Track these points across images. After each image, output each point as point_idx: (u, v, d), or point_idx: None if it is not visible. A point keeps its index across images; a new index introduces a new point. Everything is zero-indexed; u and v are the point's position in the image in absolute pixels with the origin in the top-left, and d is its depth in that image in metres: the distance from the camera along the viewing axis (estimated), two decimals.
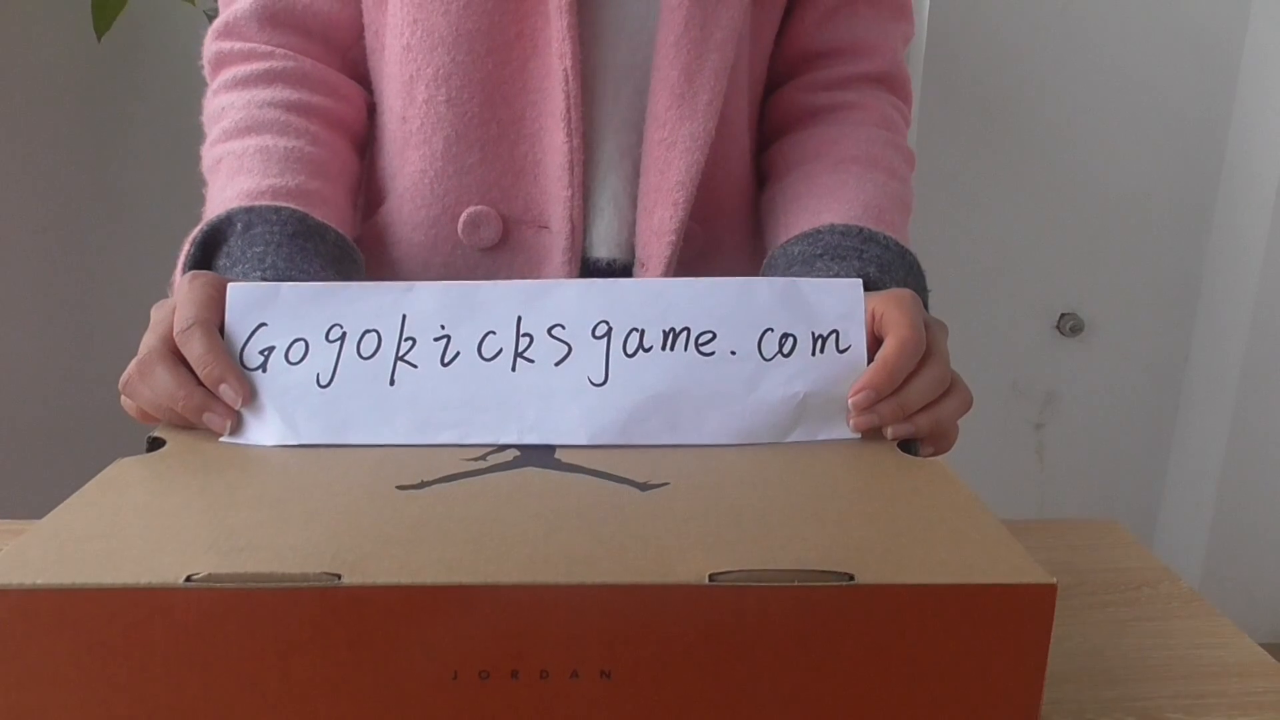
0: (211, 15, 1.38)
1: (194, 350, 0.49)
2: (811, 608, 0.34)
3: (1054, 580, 0.35)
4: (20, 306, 1.38)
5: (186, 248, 0.59)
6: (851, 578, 0.35)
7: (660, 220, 0.65)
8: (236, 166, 0.62)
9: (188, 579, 0.34)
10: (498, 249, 0.67)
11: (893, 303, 0.53)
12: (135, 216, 1.51)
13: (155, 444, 0.48)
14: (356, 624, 0.34)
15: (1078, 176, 1.61)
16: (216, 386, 0.49)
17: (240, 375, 0.49)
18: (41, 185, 1.40)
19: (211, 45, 0.68)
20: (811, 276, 0.60)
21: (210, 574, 0.34)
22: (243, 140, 0.63)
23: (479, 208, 0.66)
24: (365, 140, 0.71)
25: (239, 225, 0.58)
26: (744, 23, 0.66)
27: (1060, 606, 0.35)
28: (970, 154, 1.59)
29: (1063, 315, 1.67)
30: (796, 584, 0.34)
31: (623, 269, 0.69)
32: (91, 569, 0.34)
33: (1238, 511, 1.67)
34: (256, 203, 0.59)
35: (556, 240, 0.66)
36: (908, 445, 0.51)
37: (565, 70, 0.62)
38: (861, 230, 0.62)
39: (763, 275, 0.66)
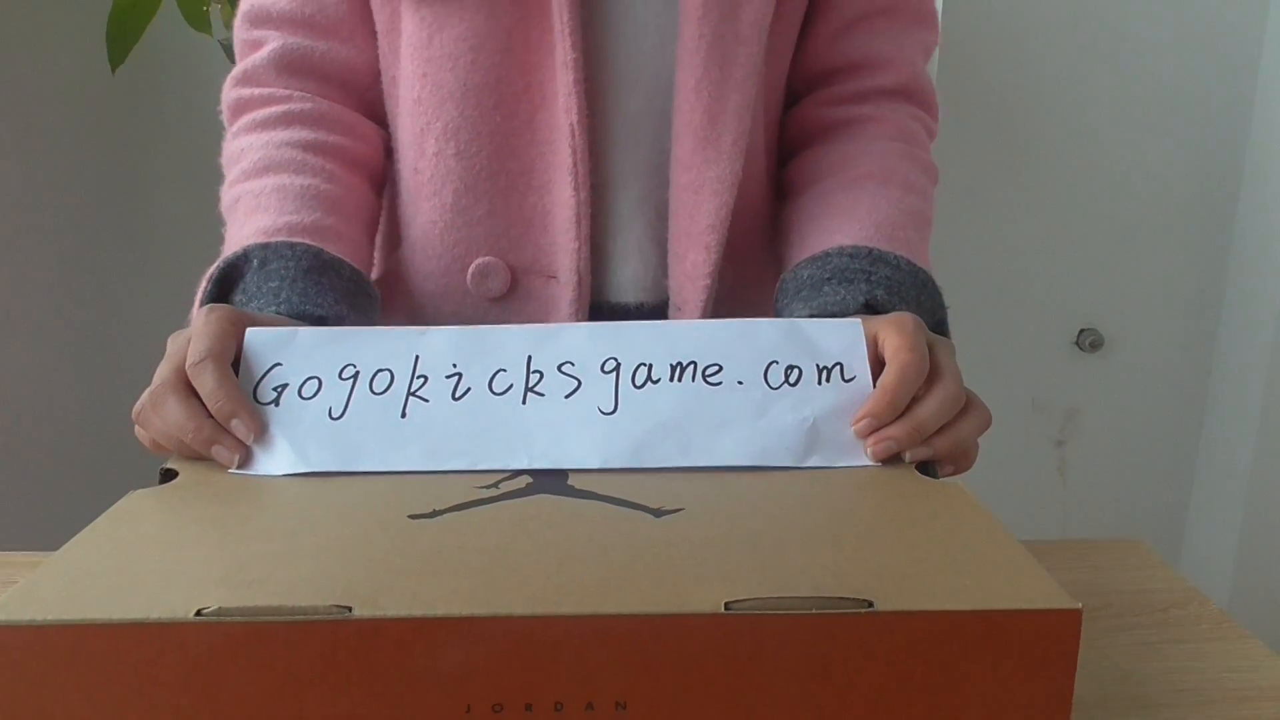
0: (226, 45, 1.40)
1: (206, 385, 0.49)
2: (830, 636, 0.34)
3: (1079, 605, 0.34)
4: (42, 337, 1.39)
5: (204, 284, 0.59)
6: (871, 604, 0.34)
7: (694, 264, 0.65)
8: (254, 205, 0.62)
9: (198, 613, 0.33)
10: (506, 298, 0.67)
11: (893, 327, 0.53)
12: (155, 247, 1.52)
13: (168, 475, 0.48)
14: (368, 657, 0.33)
15: (1095, 190, 1.60)
16: (228, 421, 0.49)
17: (252, 410, 0.49)
18: (64, 216, 1.41)
19: (231, 92, 0.69)
20: (819, 300, 0.60)
21: (221, 608, 0.33)
22: (260, 180, 0.64)
23: (487, 259, 0.66)
24: (383, 178, 0.72)
25: (255, 261, 0.59)
26: (761, 58, 0.65)
27: (1085, 629, 0.34)
28: (986, 166, 1.58)
29: (1082, 331, 1.66)
30: (814, 611, 0.34)
31: (651, 312, 0.68)
32: (102, 603, 0.34)
33: (1266, 529, 1.64)
34: (272, 239, 0.60)
35: (564, 290, 0.66)
36: (926, 467, 0.50)
37: (571, 125, 0.62)
38: (870, 251, 0.61)
39: (775, 299, 0.66)
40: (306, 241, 0.60)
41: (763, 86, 0.68)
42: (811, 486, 0.46)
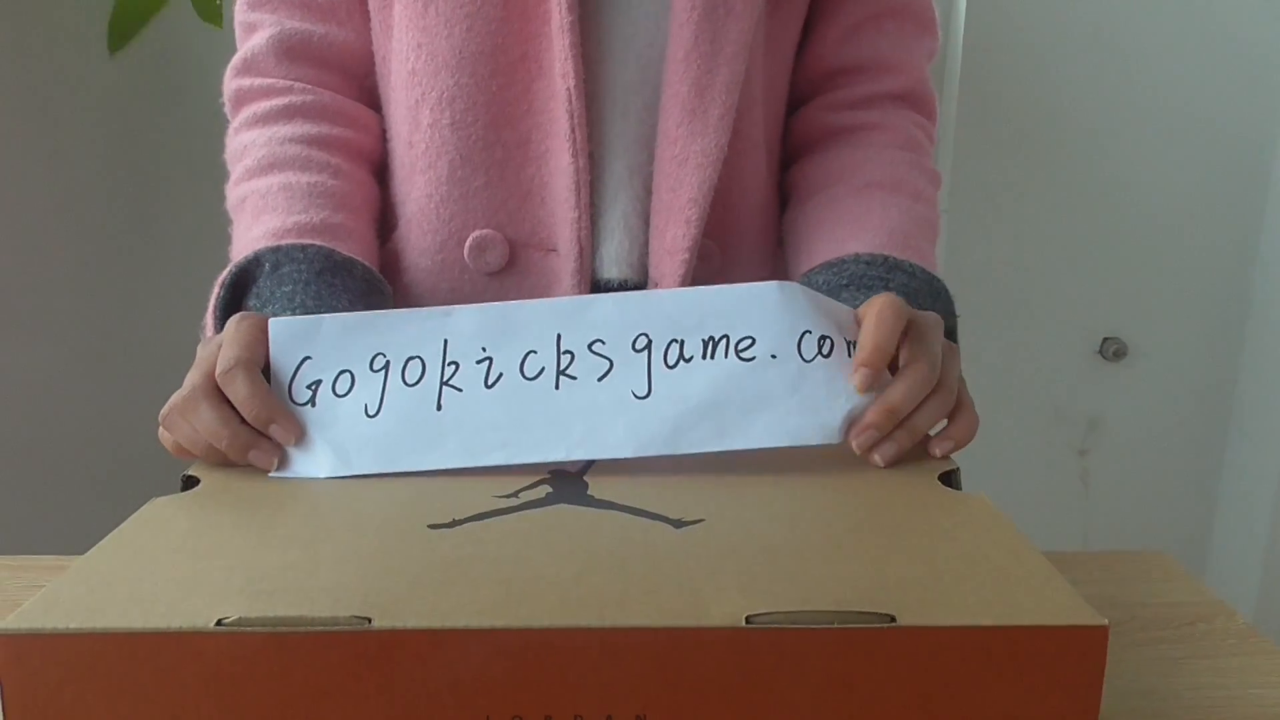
0: None
1: (238, 392, 0.49)
2: (852, 650, 0.33)
3: (1106, 622, 0.34)
4: (62, 339, 1.40)
5: (216, 290, 0.60)
6: (893, 619, 0.34)
7: (673, 239, 0.65)
8: (261, 205, 0.63)
9: (219, 623, 0.33)
10: (505, 273, 0.67)
11: (872, 305, 0.53)
12: (173, 246, 1.53)
13: (190, 482, 0.48)
14: (387, 668, 0.33)
15: (1119, 196, 1.59)
16: (265, 427, 0.49)
17: (288, 414, 0.50)
18: (81, 217, 1.42)
19: (231, 83, 0.69)
20: None
21: (241, 618, 0.33)
22: (266, 178, 0.64)
23: (485, 231, 0.66)
24: (380, 154, 0.72)
25: (267, 265, 0.59)
26: (755, 36, 0.65)
27: (1109, 644, 0.34)
28: (1008, 173, 1.57)
29: (1105, 339, 1.64)
30: (836, 625, 0.33)
31: (634, 289, 0.68)
32: (123, 612, 0.34)
33: None
34: (282, 241, 0.60)
35: (565, 263, 0.65)
36: (949, 478, 0.49)
37: (569, 90, 0.62)
38: (887, 259, 0.61)
39: None
40: (318, 243, 0.60)
41: (763, 72, 0.68)
42: (833, 497, 0.46)
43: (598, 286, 0.68)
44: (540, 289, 0.67)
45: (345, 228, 0.63)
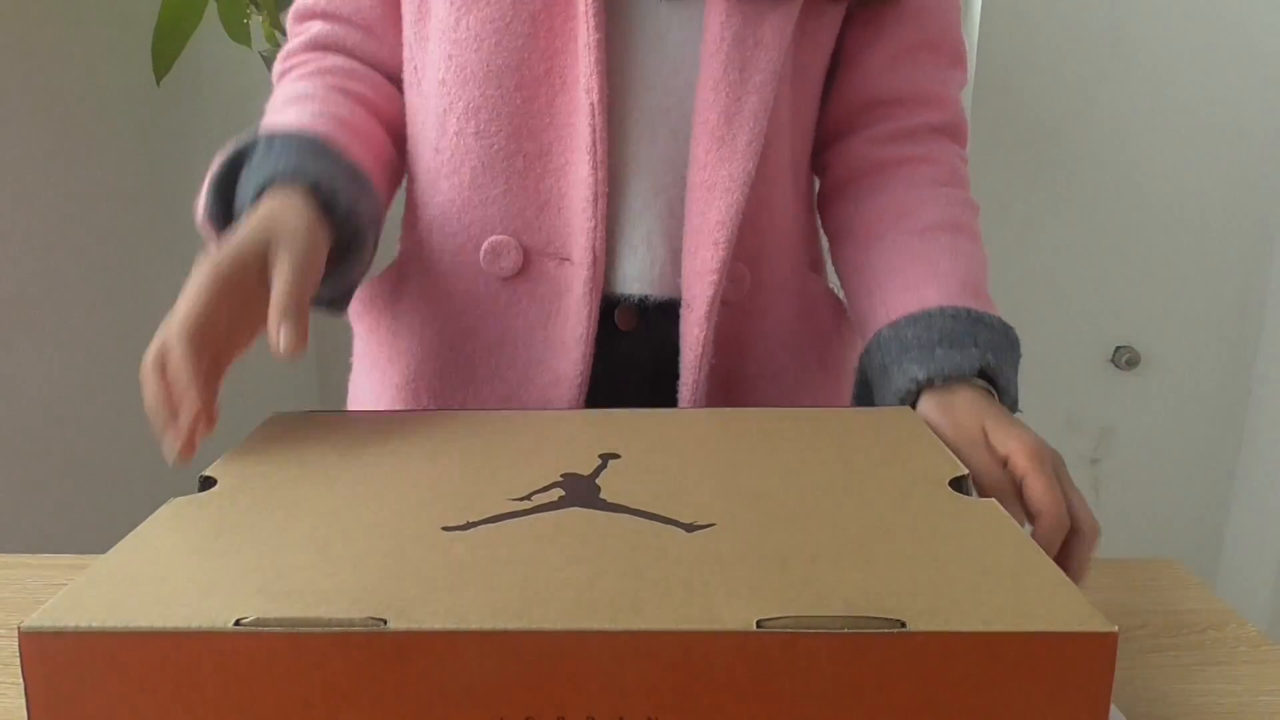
0: (266, 57, 1.41)
1: (171, 365, 0.53)
2: (861, 656, 0.34)
3: (1115, 628, 0.34)
4: (82, 343, 1.41)
5: (208, 180, 0.62)
6: (903, 624, 0.34)
7: (703, 261, 0.67)
8: (270, 124, 0.66)
9: (237, 623, 0.34)
10: (519, 279, 0.69)
11: (1027, 468, 0.56)
12: (193, 255, 1.55)
13: (207, 483, 0.49)
14: (402, 669, 0.34)
15: (1133, 205, 1.59)
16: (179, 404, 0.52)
17: (200, 398, 0.51)
18: (104, 224, 1.44)
19: (275, 68, 0.75)
20: (934, 364, 0.62)
21: (258, 618, 0.34)
22: (282, 112, 0.68)
23: (500, 237, 0.68)
24: (400, 129, 0.75)
25: (260, 149, 0.61)
26: (784, 65, 0.67)
27: (1120, 650, 0.34)
28: (1022, 182, 1.57)
29: (1118, 348, 1.64)
30: (846, 630, 0.34)
31: (654, 307, 0.70)
32: (144, 611, 0.35)
33: None
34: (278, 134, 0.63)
35: (578, 272, 0.67)
36: (960, 484, 0.50)
37: (592, 104, 0.64)
38: (970, 312, 0.64)
39: (870, 352, 0.68)
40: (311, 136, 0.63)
41: (790, 100, 0.70)
42: (844, 502, 0.46)
43: (616, 301, 0.70)
44: (552, 296, 0.69)
45: (342, 140, 0.66)
